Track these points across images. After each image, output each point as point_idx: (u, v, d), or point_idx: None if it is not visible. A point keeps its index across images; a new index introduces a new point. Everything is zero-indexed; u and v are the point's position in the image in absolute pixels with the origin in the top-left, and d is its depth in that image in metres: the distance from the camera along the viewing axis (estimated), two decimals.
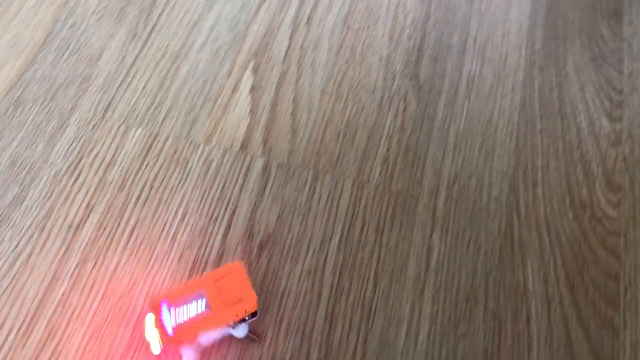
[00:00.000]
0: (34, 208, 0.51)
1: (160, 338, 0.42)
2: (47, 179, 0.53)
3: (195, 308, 0.42)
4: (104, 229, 0.51)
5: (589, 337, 0.48)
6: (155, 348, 0.43)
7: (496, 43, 0.62)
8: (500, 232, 0.52)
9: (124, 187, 0.53)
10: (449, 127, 0.57)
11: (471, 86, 0.59)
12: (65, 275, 0.49)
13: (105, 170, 0.53)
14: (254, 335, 0.46)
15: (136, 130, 0.55)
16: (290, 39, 0.61)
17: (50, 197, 0.52)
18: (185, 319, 0.41)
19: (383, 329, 0.48)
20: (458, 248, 0.51)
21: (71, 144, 0.55)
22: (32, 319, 0.47)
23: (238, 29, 0.61)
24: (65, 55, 0.59)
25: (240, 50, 0.60)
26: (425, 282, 0.50)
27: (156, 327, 0.42)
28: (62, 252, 0.50)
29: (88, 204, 0.52)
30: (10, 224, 0.51)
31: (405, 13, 0.63)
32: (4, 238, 0.50)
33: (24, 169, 0.53)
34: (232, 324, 0.43)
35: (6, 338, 0.46)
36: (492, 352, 0.47)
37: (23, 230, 0.51)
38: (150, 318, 0.43)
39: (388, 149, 0.56)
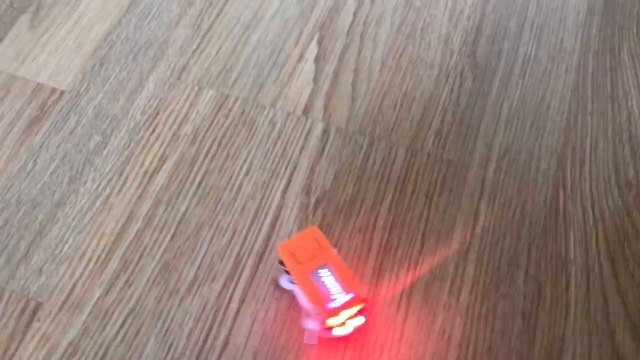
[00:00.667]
0: (114, 155, 0.57)
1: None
2: (127, 130, 0.58)
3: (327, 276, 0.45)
4: (176, 177, 0.55)
5: (626, 306, 0.50)
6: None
7: (553, 27, 0.64)
8: (546, 203, 0.55)
9: (195, 141, 0.57)
10: (502, 103, 0.60)
11: (526, 67, 0.62)
12: (139, 216, 0.54)
13: (179, 125, 0.58)
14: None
15: (208, 91, 0.60)
16: (355, 14, 0.65)
17: (128, 146, 0.57)
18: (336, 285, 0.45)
19: (427, 284, 0.51)
20: (504, 216, 0.54)
21: (149, 101, 0.59)
22: (109, 251, 0.52)
23: (306, 2, 0.65)
24: (147, 20, 0.64)
25: (307, 22, 0.64)
26: (471, 244, 0.53)
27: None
28: (137, 194, 0.55)
29: (162, 154, 0.57)
30: (93, 168, 0.56)
31: None
32: (87, 179, 0.55)
33: (106, 120, 0.58)
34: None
35: (86, 266, 0.51)
36: (531, 313, 0.50)
37: (104, 174, 0.56)
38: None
39: (442, 121, 0.59)
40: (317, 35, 0.63)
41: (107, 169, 0.56)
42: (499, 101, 0.60)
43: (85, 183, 0.55)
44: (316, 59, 0.62)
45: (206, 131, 0.58)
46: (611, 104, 0.60)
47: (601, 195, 0.55)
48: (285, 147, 0.57)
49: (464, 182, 0.56)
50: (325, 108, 0.59)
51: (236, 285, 0.50)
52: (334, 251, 0.46)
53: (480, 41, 0.63)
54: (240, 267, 0.51)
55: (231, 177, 0.56)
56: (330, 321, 0.45)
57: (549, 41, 0.63)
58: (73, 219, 0.54)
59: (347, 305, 0.44)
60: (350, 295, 0.44)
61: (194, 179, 0.55)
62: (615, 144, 0.58)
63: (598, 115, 0.59)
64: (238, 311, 0.49)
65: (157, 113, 0.59)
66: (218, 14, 0.64)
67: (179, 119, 0.59)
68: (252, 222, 0.53)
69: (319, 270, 0.45)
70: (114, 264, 0.52)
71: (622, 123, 0.59)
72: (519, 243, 0.53)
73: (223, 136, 0.58)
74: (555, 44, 0.63)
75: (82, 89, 0.60)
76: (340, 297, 0.44)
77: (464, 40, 0.63)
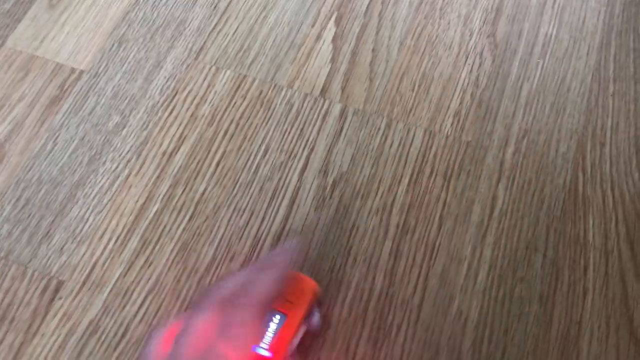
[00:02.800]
0: (132, 135, 0.57)
1: None
2: (145, 110, 0.58)
3: (274, 324, 0.41)
4: (194, 158, 0.56)
5: None
6: None
7: (575, 7, 0.63)
8: (565, 186, 0.54)
9: (213, 122, 0.58)
10: (522, 84, 0.59)
11: (547, 47, 0.61)
12: (158, 196, 0.54)
13: (197, 106, 0.58)
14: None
15: (226, 72, 0.60)
16: None
17: (147, 126, 0.57)
18: (271, 337, 0.40)
19: (444, 267, 0.51)
20: (522, 198, 0.54)
21: (167, 81, 0.60)
22: (128, 231, 0.53)
23: None
24: (164, 0, 0.64)
25: (325, 1, 0.63)
26: (488, 227, 0.53)
27: None
28: (156, 175, 0.55)
29: (180, 135, 0.57)
30: (112, 148, 0.56)
31: None
32: (106, 159, 0.56)
33: (125, 100, 0.59)
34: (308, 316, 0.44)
35: (106, 245, 0.52)
36: (548, 296, 0.50)
37: (122, 154, 0.56)
38: None
39: (461, 102, 0.58)
40: (335, 15, 0.63)
41: (126, 150, 0.56)
42: (519, 82, 0.59)
43: (104, 163, 0.56)
44: (334, 39, 0.61)
45: (224, 112, 0.58)
46: (634, 85, 0.59)
47: (621, 178, 0.55)
48: (302, 129, 0.57)
49: (482, 165, 0.55)
50: (343, 89, 0.59)
51: None
52: (301, 312, 0.43)
53: (501, 21, 0.62)
54: (258, 247, 0.52)
55: (249, 159, 0.56)
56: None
57: (571, 21, 0.62)
58: (93, 199, 0.54)
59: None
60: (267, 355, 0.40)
61: (212, 160, 0.56)
62: (637, 127, 0.57)
63: (620, 96, 0.58)
64: None
65: (175, 94, 0.59)
66: None
67: (196, 100, 0.59)
68: (269, 203, 0.54)
69: (275, 315, 0.41)
70: (134, 243, 0.52)
71: None
72: (537, 226, 0.53)
73: (241, 117, 0.58)
74: (577, 24, 0.62)
75: (100, 69, 0.60)
76: (263, 350, 0.40)
77: (483, 20, 0.62)
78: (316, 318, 0.46)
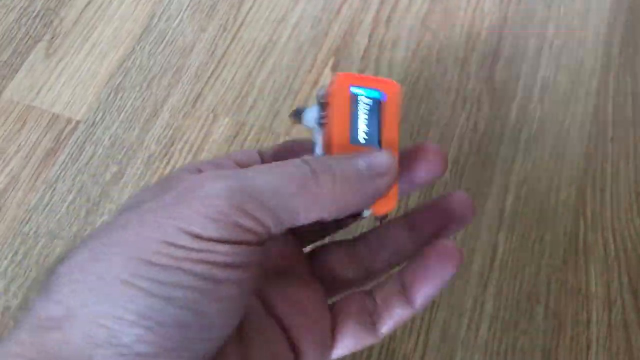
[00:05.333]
0: (130, 186, 0.57)
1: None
2: (142, 160, 0.58)
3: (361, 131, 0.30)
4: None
5: None
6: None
7: (572, 49, 0.63)
8: (566, 234, 0.54)
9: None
10: (521, 129, 0.59)
11: (545, 91, 0.61)
12: None
13: (194, 155, 0.58)
14: None
15: (224, 119, 0.60)
16: (370, 37, 0.64)
17: (144, 177, 0.57)
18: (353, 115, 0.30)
19: (445, 320, 0.51)
20: (523, 248, 0.53)
21: (164, 130, 0.59)
22: None
23: (320, 27, 0.65)
24: (161, 47, 0.64)
25: (321, 47, 0.63)
26: (489, 278, 0.52)
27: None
28: None
29: None
30: (109, 200, 0.56)
31: (483, 16, 0.65)
32: (104, 211, 0.56)
33: (122, 150, 0.58)
34: None
35: None
36: (551, 350, 0.49)
37: (120, 206, 0.56)
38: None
39: (459, 148, 0.58)
40: (331, 61, 0.63)
41: (124, 201, 0.56)
42: (517, 127, 0.59)
43: (102, 215, 0.55)
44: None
45: None
46: (632, 129, 0.59)
47: (622, 226, 0.54)
48: None
49: (482, 213, 0.55)
50: None
51: None
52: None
53: (498, 64, 0.62)
54: None
55: None
56: None
57: (568, 63, 0.62)
58: None
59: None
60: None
61: None
62: (636, 172, 0.57)
63: (619, 141, 0.58)
64: None
65: (172, 143, 0.59)
66: (232, 39, 0.64)
67: (194, 149, 0.58)
68: None
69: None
70: None
71: None
72: (538, 276, 0.52)
73: None
74: (574, 67, 0.62)
75: (97, 119, 0.60)
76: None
77: (480, 64, 0.62)
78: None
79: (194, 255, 0.24)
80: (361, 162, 0.28)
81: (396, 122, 0.31)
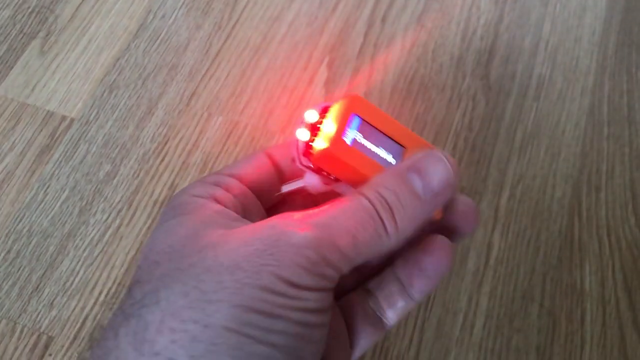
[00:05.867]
0: (123, 184, 0.56)
1: (325, 140, 0.29)
2: (136, 158, 0.58)
3: (383, 154, 0.31)
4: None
5: None
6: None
7: (568, 47, 0.63)
8: (561, 233, 0.54)
9: (205, 169, 0.57)
10: (516, 128, 0.59)
11: (540, 89, 0.61)
12: None
13: (189, 153, 0.58)
14: None
15: (218, 118, 0.60)
16: (365, 36, 0.64)
17: (138, 175, 0.57)
18: (367, 149, 0.30)
19: (440, 318, 0.51)
20: (518, 246, 0.53)
21: (158, 128, 0.59)
22: (119, 284, 0.52)
23: (316, 24, 0.64)
24: (156, 45, 0.64)
25: (316, 45, 0.63)
26: (484, 276, 0.52)
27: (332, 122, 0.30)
28: (147, 226, 0.55)
29: (172, 183, 0.56)
30: (103, 198, 0.56)
31: (479, 14, 0.65)
32: (96, 210, 0.55)
33: (116, 148, 0.58)
34: None
35: (97, 299, 0.52)
36: (545, 348, 0.49)
37: (113, 204, 0.56)
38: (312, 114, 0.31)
39: (455, 147, 0.58)
40: (327, 59, 0.62)
41: (117, 199, 0.56)
42: (513, 126, 0.59)
43: (95, 214, 0.55)
44: (326, 83, 0.61)
45: (216, 159, 0.58)
46: (628, 127, 0.59)
47: (617, 224, 0.54)
48: None
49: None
50: None
51: None
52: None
53: (494, 62, 0.62)
54: None
55: None
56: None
57: (564, 62, 0.62)
58: (84, 251, 0.54)
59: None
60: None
61: None
62: (632, 170, 0.56)
63: (614, 139, 0.58)
64: None
65: (167, 141, 0.59)
66: (227, 38, 0.64)
67: (188, 147, 0.58)
68: None
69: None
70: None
71: (639, 148, 0.58)
72: (533, 275, 0.52)
73: None
74: (570, 65, 0.62)
75: (91, 117, 0.60)
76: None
77: (476, 62, 0.62)
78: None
79: (289, 302, 0.25)
80: (417, 184, 0.29)
81: (392, 121, 0.31)
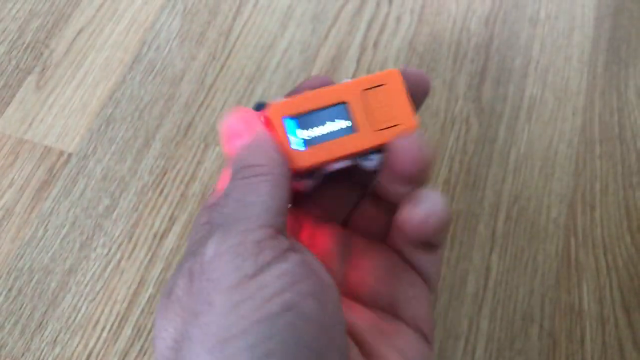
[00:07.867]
0: (123, 218, 0.57)
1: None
2: (135, 191, 0.58)
3: (334, 125, 0.30)
4: (185, 239, 0.55)
5: None
6: None
7: (558, 67, 0.64)
8: (558, 253, 0.55)
9: (204, 201, 0.57)
10: (510, 149, 0.59)
11: (532, 110, 0.62)
12: (151, 280, 0.54)
13: (187, 185, 0.58)
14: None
15: (215, 148, 0.60)
16: (358, 62, 0.65)
17: (137, 208, 0.57)
18: (319, 135, 0.30)
19: (442, 344, 0.51)
20: (516, 268, 0.54)
21: (156, 160, 0.60)
22: (122, 319, 0.52)
23: (309, 52, 0.65)
24: (151, 77, 0.64)
25: (310, 72, 0.64)
26: (484, 299, 0.53)
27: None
28: (147, 259, 0.55)
29: (171, 216, 0.57)
30: (103, 232, 0.56)
31: (469, 36, 0.66)
32: (97, 245, 0.56)
33: (114, 182, 0.59)
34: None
35: (100, 335, 0.52)
36: None
37: (113, 238, 0.56)
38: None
39: (450, 170, 0.58)
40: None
41: (117, 233, 0.56)
42: (506, 147, 0.60)
43: (95, 249, 0.56)
44: None
45: (214, 189, 0.58)
46: (619, 145, 0.59)
47: (613, 243, 0.55)
48: None
49: (475, 234, 0.55)
50: None
51: None
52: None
53: (485, 84, 0.63)
54: None
55: None
56: None
57: (555, 82, 0.63)
58: (85, 286, 0.54)
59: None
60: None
61: None
62: (625, 188, 0.57)
63: (607, 158, 0.59)
64: None
65: (165, 173, 0.59)
66: (222, 67, 0.65)
67: (186, 178, 0.59)
68: None
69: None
70: (127, 331, 0.52)
71: (631, 165, 0.58)
72: (532, 296, 0.53)
73: None
74: (560, 85, 0.63)
75: (89, 151, 0.60)
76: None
77: (468, 85, 0.63)
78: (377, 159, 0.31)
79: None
80: None
81: (317, 92, 0.30)
